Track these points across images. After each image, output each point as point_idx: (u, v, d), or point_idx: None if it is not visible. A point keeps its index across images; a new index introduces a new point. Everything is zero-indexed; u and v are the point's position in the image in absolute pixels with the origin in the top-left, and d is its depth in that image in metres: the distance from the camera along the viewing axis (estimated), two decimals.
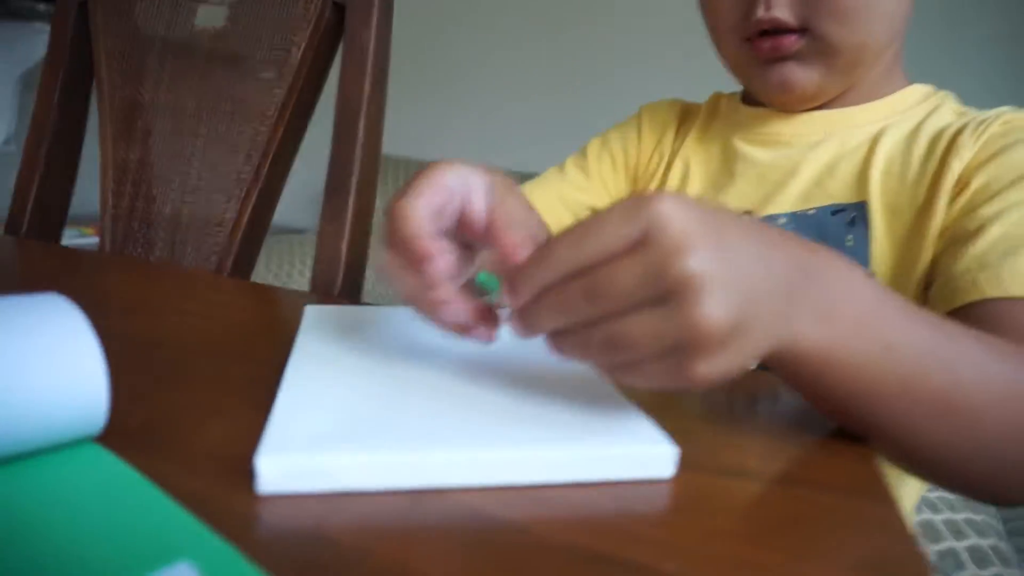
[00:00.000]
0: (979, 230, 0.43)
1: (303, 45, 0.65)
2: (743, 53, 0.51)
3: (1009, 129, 0.47)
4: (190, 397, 0.33)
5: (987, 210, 0.44)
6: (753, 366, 0.29)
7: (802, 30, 0.48)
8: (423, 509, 0.25)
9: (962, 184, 0.46)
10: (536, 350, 0.35)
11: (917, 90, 0.54)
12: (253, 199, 0.65)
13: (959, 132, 0.48)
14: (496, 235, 0.32)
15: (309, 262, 1.78)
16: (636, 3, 1.68)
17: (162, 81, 0.71)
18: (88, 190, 0.77)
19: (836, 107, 0.53)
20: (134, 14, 0.72)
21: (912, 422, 0.31)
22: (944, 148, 0.48)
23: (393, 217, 0.32)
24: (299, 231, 1.98)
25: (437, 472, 0.26)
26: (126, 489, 0.24)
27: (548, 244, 0.27)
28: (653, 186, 0.61)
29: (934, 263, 0.47)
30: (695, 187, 0.58)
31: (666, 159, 0.62)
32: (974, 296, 0.41)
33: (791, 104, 0.54)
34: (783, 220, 0.53)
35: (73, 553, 0.20)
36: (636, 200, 0.25)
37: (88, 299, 0.47)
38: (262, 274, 1.71)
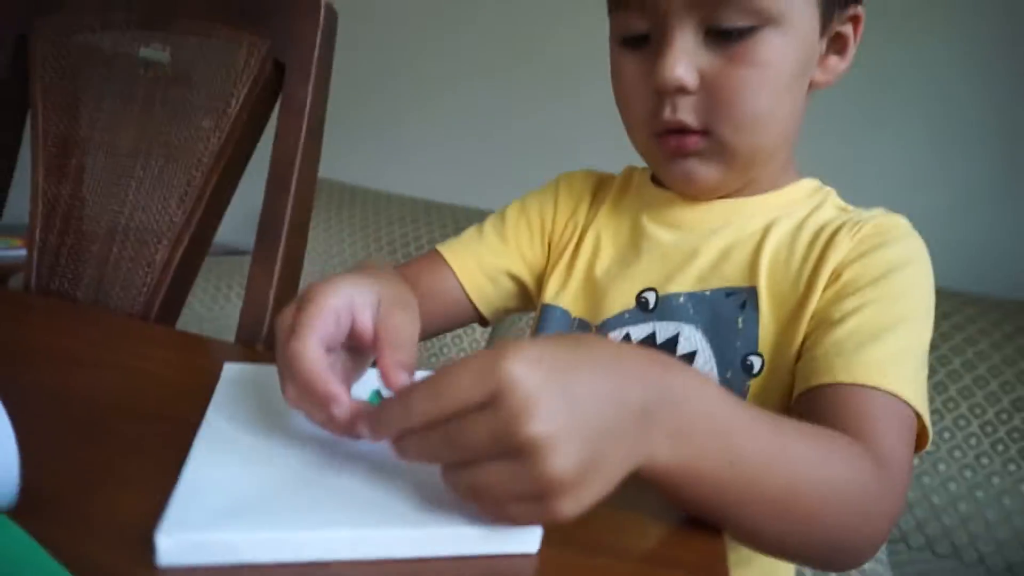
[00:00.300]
0: (841, 320, 0.48)
1: (242, 97, 0.67)
2: (652, 146, 0.54)
3: (878, 231, 0.52)
4: (101, 460, 0.35)
5: (849, 303, 0.49)
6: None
7: (704, 132, 0.51)
8: None
9: (835, 276, 0.51)
10: None
11: (806, 185, 0.58)
12: (184, 243, 0.67)
13: (838, 230, 0.53)
14: (379, 355, 0.35)
15: None
16: (567, 50, 1.75)
17: (99, 119, 0.72)
18: (17, 201, 0.76)
19: (735, 198, 0.57)
20: (75, 51, 0.73)
21: (755, 522, 0.36)
22: (824, 243, 0.53)
23: (290, 358, 0.34)
24: (241, 252, 1.96)
25: (324, 547, 0.29)
26: (27, 563, 0.26)
27: (407, 392, 0.30)
28: (567, 256, 0.63)
29: (803, 343, 0.51)
30: (605, 261, 0.61)
31: (579, 229, 0.64)
32: (827, 379, 0.45)
33: (693, 195, 0.58)
34: (682, 299, 0.56)
35: None
36: (489, 357, 0.28)
37: (9, 345, 0.48)
38: (199, 295, 1.69)
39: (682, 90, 0.49)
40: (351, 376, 0.39)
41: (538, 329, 0.62)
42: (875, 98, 1.53)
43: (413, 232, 1.72)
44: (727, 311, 0.54)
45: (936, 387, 1.28)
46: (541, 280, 0.65)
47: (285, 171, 0.65)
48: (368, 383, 0.39)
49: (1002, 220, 1.49)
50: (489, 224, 0.67)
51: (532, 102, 1.82)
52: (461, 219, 1.72)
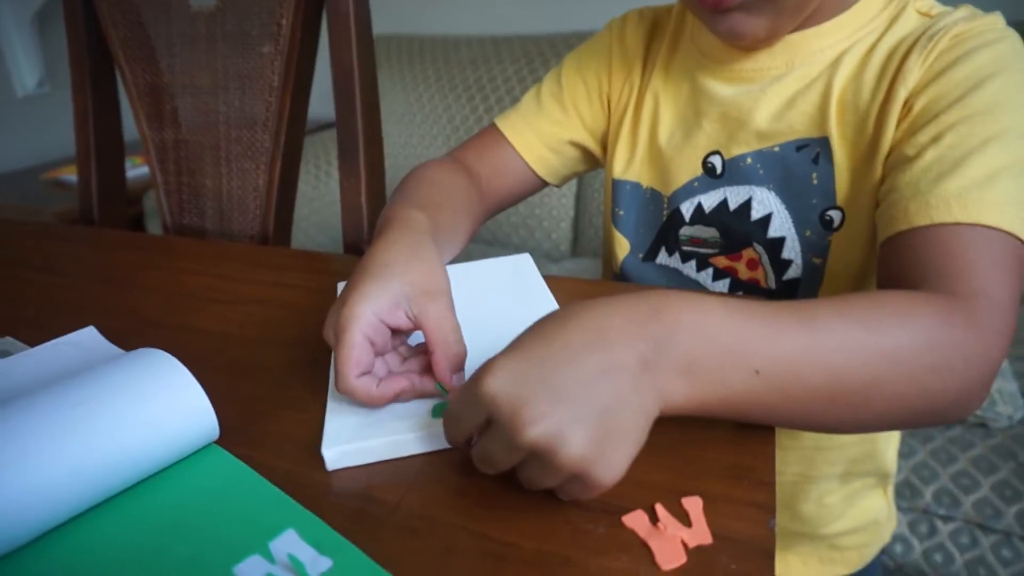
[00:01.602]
0: (916, 155, 0.43)
1: (291, 17, 0.70)
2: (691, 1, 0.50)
3: (955, 43, 0.45)
4: (263, 390, 0.45)
5: (924, 135, 0.44)
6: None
7: None
8: (435, 466, 0.37)
9: (907, 108, 0.46)
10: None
11: None
12: (279, 164, 0.75)
13: (908, 53, 0.47)
14: (432, 358, 0.39)
15: None
16: None
17: (175, 65, 0.78)
18: (129, 122, 0.84)
19: (796, 31, 0.51)
20: (135, 2, 0.78)
21: (802, 418, 0.35)
22: (893, 73, 0.47)
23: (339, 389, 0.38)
24: (332, 124, 2.04)
25: (432, 442, 0.38)
26: (240, 479, 0.37)
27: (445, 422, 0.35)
28: (627, 121, 0.61)
29: (877, 188, 0.48)
30: (667, 124, 0.58)
31: (636, 91, 0.61)
32: (903, 226, 0.42)
33: (746, 48, 0.53)
34: (750, 160, 0.53)
35: (210, 531, 0.33)
36: (474, 383, 0.31)
37: (161, 289, 0.59)
38: (303, 176, 1.81)
39: None
40: (411, 362, 0.42)
41: (613, 205, 0.62)
42: None
43: (487, 74, 1.71)
44: (800, 167, 0.51)
45: None
46: (605, 143, 0.64)
47: (347, 82, 0.69)
48: None
49: None
50: (547, 90, 0.65)
51: None
52: (532, 51, 1.68)
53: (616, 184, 0.62)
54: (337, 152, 0.71)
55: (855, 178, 0.49)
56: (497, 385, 0.30)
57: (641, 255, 0.62)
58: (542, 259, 1.63)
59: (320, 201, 1.76)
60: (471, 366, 0.40)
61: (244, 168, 0.76)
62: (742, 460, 0.36)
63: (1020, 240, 0.39)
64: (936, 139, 0.43)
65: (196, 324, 0.54)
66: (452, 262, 0.54)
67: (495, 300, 0.51)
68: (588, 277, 1.40)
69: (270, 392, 0.45)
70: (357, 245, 0.72)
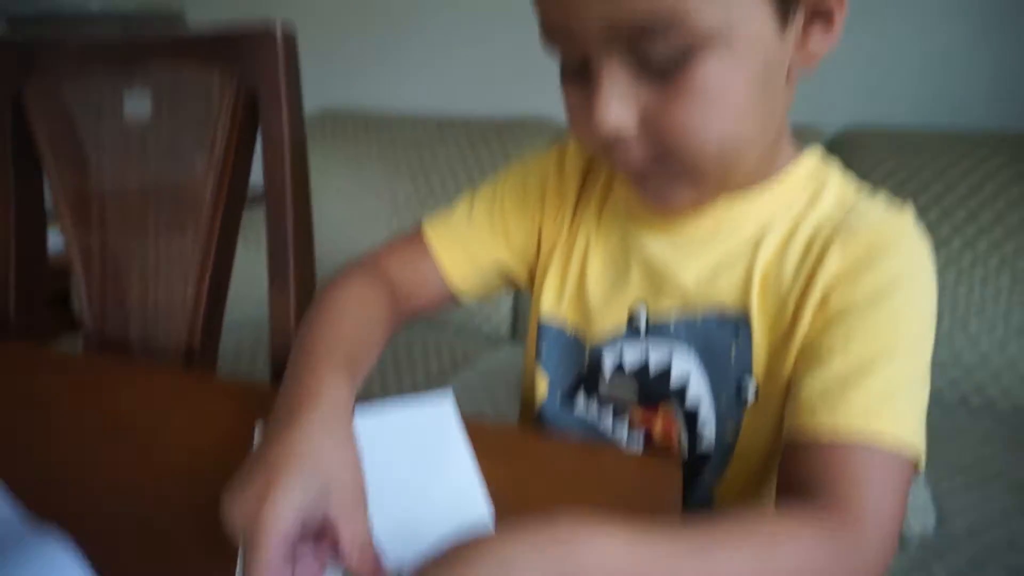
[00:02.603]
0: (828, 355, 0.45)
1: (225, 131, 0.71)
2: (614, 166, 0.49)
3: (871, 243, 0.47)
4: (170, 528, 0.43)
5: (837, 336, 0.46)
6: None
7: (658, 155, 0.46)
8: None
9: (823, 300, 0.48)
10: None
11: (803, 168, 0.53)
12: (208, 277, 0.74)
13: (828, 244, 0.48)
14: (347, 561, 0.38)
15: None
16: None
17: (104, 169, 0.77)
18: None
19: (726, 199, 0.52)
20: (66, 103, 0.77)
21: None
22: (813, 262, 0.49)
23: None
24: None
25: None
26: None
27: None
28: (556, 259, 0.61)
29: (790, 377, 0.49)
30: (596, 268, 0.58)
31: (567, 227, 0.61)
32: (811, 424, 0.44)
33: (672, 215, 0.53)
34: (673, 325, 0.54)
35: None
36: None
37: (71, 433, 0.56)
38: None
39: (620, 137, 0.44)
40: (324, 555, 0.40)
41: (537, 341, 0.62)
42: None
43: (430, 155, 1.73)
44: (720, 339, 0.52)
45: (965, 244, 1.27)
46: (532, 272, 0.64)
47: (279, 198, 0.69)
48: None
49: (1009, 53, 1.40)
50: (480, 207, 0.63)
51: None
52: (475, 135, 1.72)
53: (541, 322, 0.62)
54: (268, 271, 0.70)
55: (771, 356, 0.51)
56: None
57: (560, 399, 0.61)
58: (482, 342, 1.63)
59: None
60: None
61: (172, 279, 0.75)
62: None
63: (911, 459, 0.43)
64: (845, 346, 0.45)
65: (103, 477, 0.52)
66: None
67: (408, 461, 0.50)
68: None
69: (177, 531, 0.43)
70: (284, 362, 0.71)
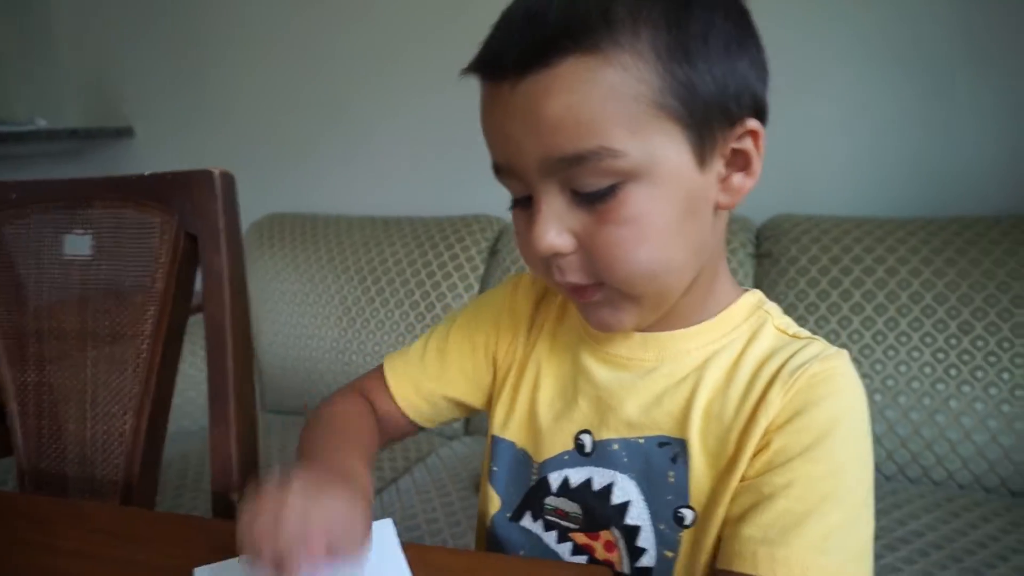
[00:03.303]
0: (769, 497, 0.48)
1: (165, 272, 0.73)
2: (560, 289, 0.53)
3: (811, 385, 0.50)
4: None
5: (778, 478, 0.48)
6: None
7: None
8: None
9: (765, 441, 0.50)
10: None
11: (743, 307, 0.56)
12: (147, 411, 0.74)
13: (771, 383, 0.51)
14: None
15: None
16: None
17: (42, 308, 0.78)
18: None
19: (667, 330, 0.55)
20: (4, 245, 0.79)
21: None
22: (756, 399, 0.51)
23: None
24: None
25: None
26: None
27: None
28: (510, 382, 0.64)
29: (727, 511, 0.51)
30: (546, 393, 0.61)
31: (519, 354, 0.64)
32: (748, 569, 0.46)
33: (615, 334, 0.56)
34: (616, 446, 0.56)
35: None
36: None
37: None
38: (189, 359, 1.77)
39: (559, 255, 0.48)
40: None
41: (490, 460, 0.64)
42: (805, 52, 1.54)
43: (378, 256, 1.77)
44: (659, 463, 0.54)
45: (887, 323, 1.35)
46: (489, 395, 0.67)
47: (219, 334, 0.71)
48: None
49: (927, 142, 1.52)
50: (433, 344, 0.68)
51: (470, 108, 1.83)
52: (421, 233, 1.76)
53: (494, 440, 0.64)
54: (208, 401, 0.72)
55: (710, 484, 0.52)
56: None
57: (509, 514, 0.63)
58: (435, 436, 1.63)
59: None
60: None
61: (110, 413, 0.75)
62: None
63: None
64: (786, 487, 0.47)
65: None
66: None
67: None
68: (479, 457, 1.40)
69: None
70: (225, 494, 0.71)
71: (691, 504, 0.53)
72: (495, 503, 0.64)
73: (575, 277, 0.49)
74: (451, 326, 0.68)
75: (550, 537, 0.60)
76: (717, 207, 0.50)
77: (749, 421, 0.51)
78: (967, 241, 1.38)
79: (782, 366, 0.51)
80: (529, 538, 0.62)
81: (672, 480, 0.54)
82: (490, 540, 0.65)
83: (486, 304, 0.68)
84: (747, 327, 0.55)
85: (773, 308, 0.56)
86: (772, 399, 0.50)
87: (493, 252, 1.73)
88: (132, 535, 0.62)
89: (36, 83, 2.04)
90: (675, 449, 0.54)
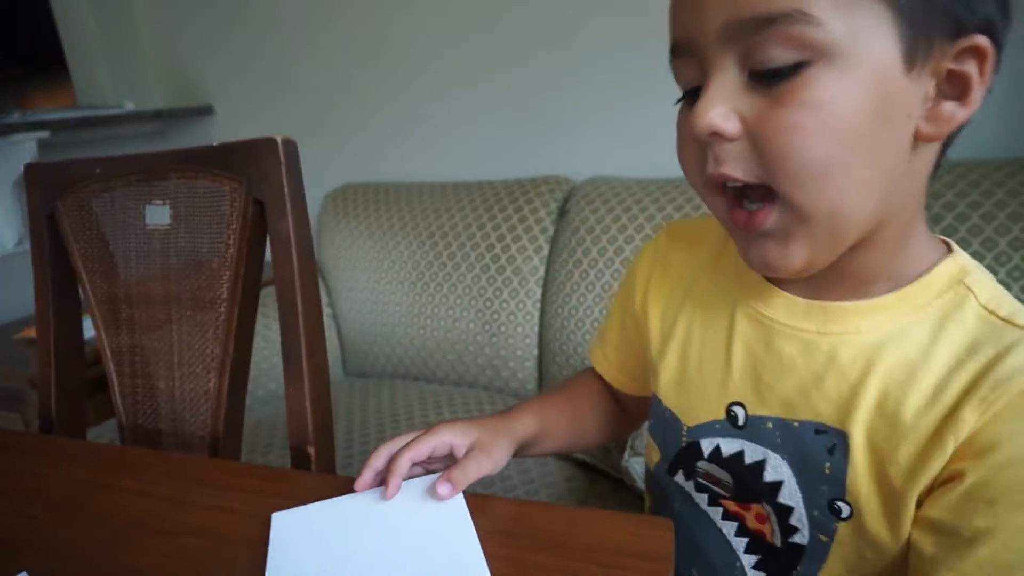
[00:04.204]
0: (970, 541, 0.41)
1: (236, 238, 0.76)
2: (721, 212, 0.47)
3: (1018, 407, 0.41)
4: None
5: (980, 520, 0.41)
6: None
7: (769, 194, 0.43)
8: None
9: (957, 469, 0.43)
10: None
11: (938, 277, 0.46)
12: (228, 371, 0.78)
13: (967, 393, 0.43)
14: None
15: None
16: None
17: (131, 276, 0.83)
18: None
19: (842, 301, 0.48)
20: (94, 218, 0.84)
21: None
22: (946, 410, 0.43)
23: (393, 461, 0.57)
24: None
25: None
26: None
27: None
28: (659, 339, 0.62)
29: (915, 539, 0.45)
30: (696, 356, 0.57)
31: (669, 310, 0.61)
32: None
33: (781, 279, 0.50)
34: (770, 424, 0.52)
35: None
36: None
37: (105, 521, 0.61)
38: (274, 324, 1.85)
39: (719, 136, 0.42)
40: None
41: (651, 411, 0.64)
42: None
43: (448, 221, 1.79)
44: (814, 451, 0.49)
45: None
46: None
47: (290, 296, 0.74)
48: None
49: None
50: (611, 322, 0.72)
51: (535, 68, 1.81)
52: (490, 197, 1.77)
53: (653, 399, 0.63)
54: (282, 360, 0.75)
55: (874, 487, 0.47)
56: None
57: (666, 467, 0.63)
58: (510, 399, 1.65)
59: None
60: None
61: (195, 373, 0.80)
62: None
63: None
64: (989, 533, 0.40)
65: (131, 562, 0.56)
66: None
67: (417, 532, 0.53)
68: None
69: None
70: (302, 448, 0.74)
71: (848, 499, 0.48)
72: (656, 453, 0.64)
73: (734, 169, 0.42)
74: (616, 303, 0.70)
75: (701, 499, 0.59)
76: (917, 135, 0.42)
77: (934, 434, 0.43)
78: (970, 184, 1.29)
79: (984, 371, 0.42)
80: (682, 495, 0.61)
81: (829, 472, 0.48)
82: (654, 487, 0.66)
83: (633, 272, 0.67)
84: (940, 305, 0.46)
85: (980, 279, 0.46)
86: (966, 416, 0.42)
87: (562, 213, 1.72)
88: (218, 483, 0.66)
89: (122, 68, 2.15)
90: (833, 440, 0.48)
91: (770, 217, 0.43)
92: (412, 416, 1.51)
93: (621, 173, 1.69)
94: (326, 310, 1.93)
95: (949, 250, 0.49)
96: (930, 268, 0.47)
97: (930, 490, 0.45)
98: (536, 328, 1.68)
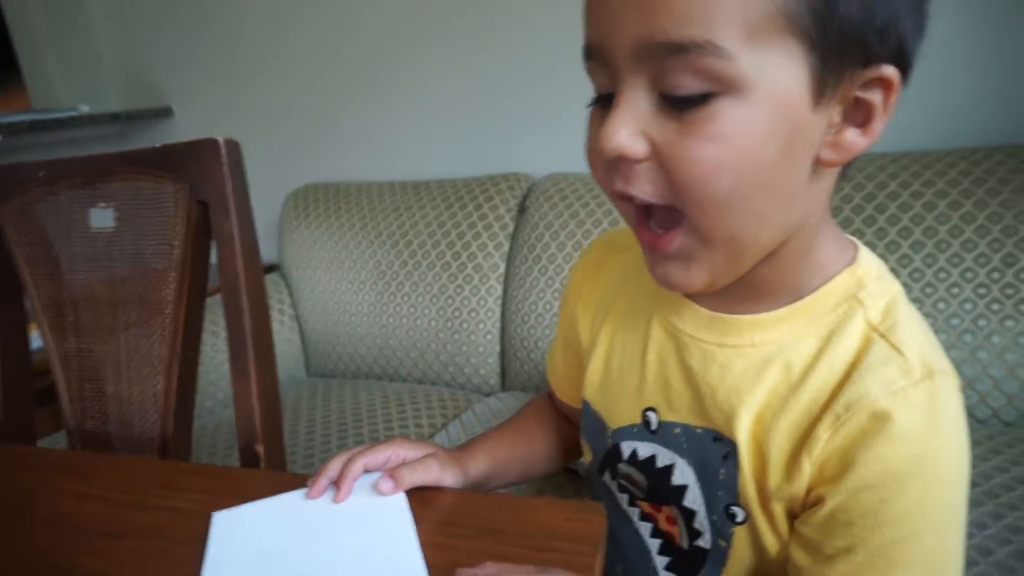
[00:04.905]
0: (829, 560, 0.45)
1: (181, 239, 0.76)
2: (629, 219, 0.47)
3: (872, 429, 0.43)
4: None
5: (839, 540, 0.45)
6: None
7: (676, 216, 0.43)
8: None
9: (817, 496, 0.46)
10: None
11: (832, 292, 0.47)
12: (176, 372, 0.79)
13: (824, 410, 0.45)
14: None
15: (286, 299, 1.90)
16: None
17: (75, 280, 0.83)
18: None
19: (742, 314, 0.50)
20: (38, 222, 0.84)
21: None
22: (806, 428, 0.46)
23: (346, 465, 0.59)
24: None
25: None
26: None
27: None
28: (588, 344, 0.64)
29: (793, 546, 0.49)
30: (618, 363, 0.59)
31: (597, 319, 0.63)
32: None
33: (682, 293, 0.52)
34: (678, 430, 0.54)
35: None
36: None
37: (53, 525, 0.61)
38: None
39: (626, 159, 0.42)
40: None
41: (582, 414, 0.65)
42: None
43: (410, 220, 1.80)
44: (712, 457, 0.52)
45: (925, 260, 1.31)
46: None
47: (235, 295, 0.75)
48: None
49: (969, 67, 1.45)
50: (557, 342, 0.73)
51: (494, 66, 1.82)
52: (451, 195, 1.78)
53: (584, 401, 0.65)
54: (229, 358, 0.75)
55: (757, 492, 0.50)
56: None
57: (596, 467, 0.65)
58: (472, 394, 1.67)
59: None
60: None
61: (143, 375, 0.80)
62: None
63: None
64: (849, 551, 0.44)
65: (82, 564, 0.56)
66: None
67: (358, 524, 0.55)
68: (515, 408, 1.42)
69: None
70: (251, 447, 0.75)
71: (741, 504, 0.51)
72: (588, 454, 0.66)
73: (641, 189, 0.43)
74: (560, 313, 0.71)
75: (623, 499, 0.62)
76: (818, 161, 0.42)
77: (794, 450, 0.46)
78: (1011, 170, 1.32)
79: (841, 389, 0.44)
80: (609, 494, 0.63)
81: (723, 477, 0.51)
82: (590, 484, 0.69)
83: (568, 289, 0.69)
84: (831, 319, 0.47)
85: (875, 291, 0.47)
86: (819, 433, 0.44)
87: (522, 209, 1.73)
88: (164, 483, 0.66)
89: (77, 70, 2.11)
90: (727, 447, 0.50)
91: (675, 241, 0.44)
92: (375, 414, 1.51)
93: (580, 169, 1.71)
94: (288, 311, 1.93)
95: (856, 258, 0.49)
96: (828, 280, 0.48)
97: (803, 507, 0.48)
98: (498, 324, 1.69)
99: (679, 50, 0.38)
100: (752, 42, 0.37)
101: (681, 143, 0.40)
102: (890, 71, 0.40)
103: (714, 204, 0.41)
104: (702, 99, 0.39)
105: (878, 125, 0.41)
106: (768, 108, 0.39)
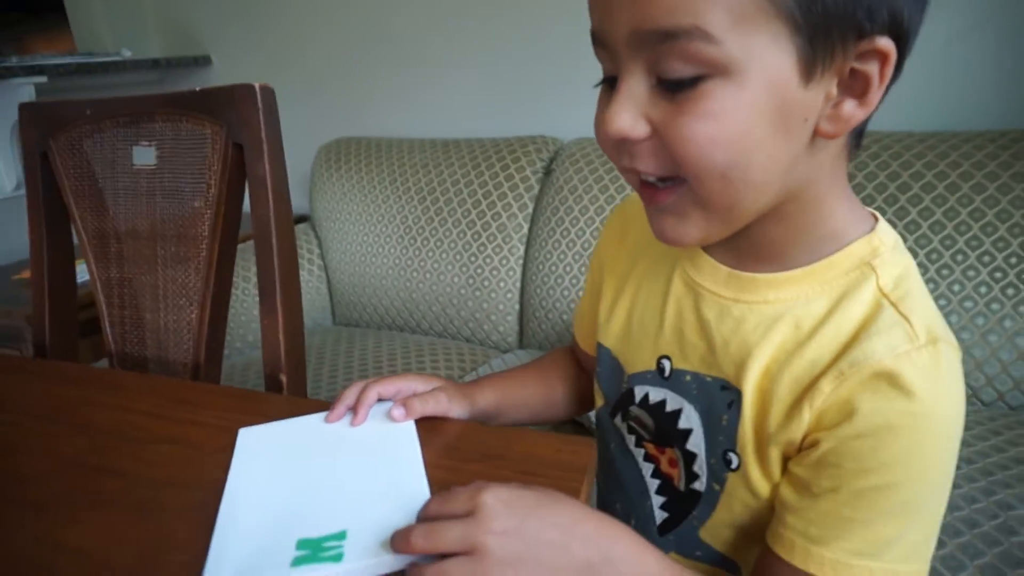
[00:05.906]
0: (815, 496, 0.48)
1: (217, 179, 0.81)
2: (634, 184, 0.50)
3: (874, 386, 0.45)
4: (156, 530, 0.53)
5: (826, 481, 0.48)
6: None
7: (678, 179, 0.46)
8: None
9: (814, 439, 0.49)
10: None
11: (847, 257, 0.49)
12: (209, 304, 0.84)
13: (829, 366, 0.47)
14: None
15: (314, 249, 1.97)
16: None
17: (119, 213, 0.88)
18: None
19: (757, 272, 0.53)
20: (85, 157, 0.89)
21: None
22: (810, 382, 0.49)
23: (361, 393, 0.64)
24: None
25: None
26: None
27: (430, 500, 0.48)
28: (611, 294, 0.67)
29: (783, 487, 0.52)
30: (639, 312, 0.62)
31: (623, 269, 0.66)
32: (786, 556, 0.49)
33: (711, 246, 0.55)
34: (689, 378, 0.57)
35: None
36: (477, 488, 0.45)
37: (91, 431, 0.67)
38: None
39: (627, 140, 0.45)
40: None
41: (597, 360, 0.68)
42: None
43: (437, 177, 1.83)
44: (717, 404, 0.55)
45: (944, 241, 1.31)
46: None
47: (265, 234, 0.79)
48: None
49: (997, 48, 1.43)
50: (584, 294, 0.75)
51: (528, 28, 1.83)
52: (479, 154, 1.81)
53: (598, 344, 0.68)
54: (258, 294, 0.81)
55: (754, 438, 0.53)
56: (492, 498, 0.44)
57: (609, 411, 0.68)
58: (491, 351, 1.71)
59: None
60: (315, 513, 0.51)
61: (179, 305, 0.86)
62: None
63: None
64: (834, 491, 0.47)
65: (112, 464, 0.62)
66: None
67: (368, 446, 0.60)
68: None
69: (160, 533, 0.53)
70: (275, 376, 0.81)
71: (737, 450, 0.54)
72: (600, 399, 0.70)
73: (646, 165, 0.46)
74: (589, 266, 0.74)
75: (630, 440, 0.66)
76: (817, 133, 0.44)
77: (796, 401, 0.49)
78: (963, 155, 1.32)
79: (848, 347, 0.47)
80: (618, 435, 0.67)
81: (725, 423, 0.54)
82: (599, 429, 0.72)
83: (599, 247, 0.72)
84: (844, 283, 0.49)
85: (889, 261, 0.49)
86: (822, 387, 0.47)
87: (548, 172, 1.76)
88: (193, 401, 0.72)
89: (121, 15, 2.17)
90: (732, 396, 0.53)
91: (671, 196, 0.47)
92: (395, 363, 1.57)
93: None
94: (317, 261, 1.99)
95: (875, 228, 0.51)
96: (843, 247, 0.50)
97: (798, 450, 0.51)
98: (518, 284, 1.73)
99: (669, 37, 0.41)
100: (738, 27, 0.40)
101: (676, 122, 0.43)
102: (884, 43, 0.41)
103: (712, 176, 0.44)
104: (693, 81, 0.42)
105: (875, 96, 0.43)
106: (756, 87, 0.41)
